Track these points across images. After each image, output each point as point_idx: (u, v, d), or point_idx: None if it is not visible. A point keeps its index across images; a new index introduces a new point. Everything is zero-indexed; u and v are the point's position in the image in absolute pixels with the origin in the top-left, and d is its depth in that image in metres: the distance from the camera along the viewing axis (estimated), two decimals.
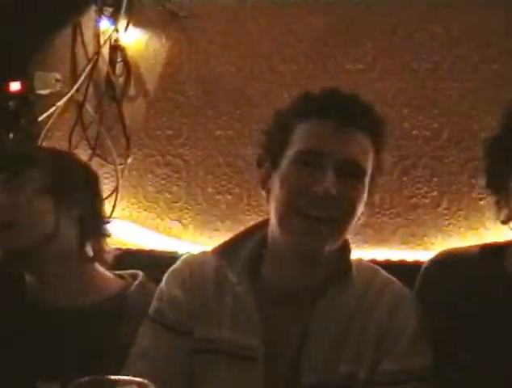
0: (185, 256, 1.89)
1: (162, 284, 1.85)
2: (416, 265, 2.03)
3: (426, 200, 2.56)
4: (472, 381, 1.66)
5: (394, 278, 1.78)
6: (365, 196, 1.69)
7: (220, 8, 2.80)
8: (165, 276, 1.86)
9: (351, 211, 1.66)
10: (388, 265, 2.39)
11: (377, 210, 2.57)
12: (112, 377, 1.30)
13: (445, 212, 2.54)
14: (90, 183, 2.11)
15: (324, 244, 1.66)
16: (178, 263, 1.86)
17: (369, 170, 1.69)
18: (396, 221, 2.58)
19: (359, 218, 1.72)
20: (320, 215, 1.62)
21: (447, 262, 1.84)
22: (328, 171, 1.62)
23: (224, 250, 1.81)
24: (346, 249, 1.75)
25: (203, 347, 1.74)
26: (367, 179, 1.69)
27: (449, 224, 2.53)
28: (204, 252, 1.89)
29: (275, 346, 1.69)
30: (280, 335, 1.70)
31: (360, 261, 1.82)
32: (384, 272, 1.80)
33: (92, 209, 2.07)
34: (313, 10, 2.69)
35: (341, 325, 1.69)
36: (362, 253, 2.52)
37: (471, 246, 1.88)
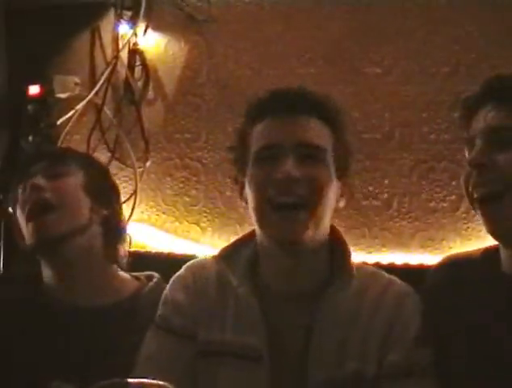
0: (188, 262, 1.92)
1: (167, 290, 1.89)
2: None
3: (445, 204, 2.54)
4: (474, 382, 1.67)
5: (396, 278, 1.81)
6: (331, 174, 1.72)
7: (238, 12, 2.80)
8: (170, 282, 1.91)
9: (319, 190, 1.69)
10: (406, 269, 2.42)
11: (396, 214, 2.57)
12: (133, 380, 1.31)
13: (464, 215, 2.53)
14: (115, 187, 2.21)
15: (301, 230, 1.67)
16: (182, 269, 1.91)
17: (328, 148, 1.73)
18: (415, 224, 2.57)
19: (339, 201, 1.78)
20: (289, 200, 1.66)
21: (450, 266, 1.88)
22: (286, 158, 1.67)
23: (225, 255, 1.85)
24: (345, 252, 1.78)
25: (208, 350, 1.77)
26: (328, 157, 1.73)
27: (468, 228, 2.52)
28: (207, 257, 1.94)
29: (279, 346, 1.71)
30: (283, 334, 1.72)
31: (362, 264, 1.88)
32: (385, 273, 1.83)
33: (115, 212, 2.15)
34: (332, 14, 2.69)
35: (344, 323, 1.71)
36: (380, 257, 2.52)
37: (474, 251, 1.90)
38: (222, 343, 1.76)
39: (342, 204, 1.79)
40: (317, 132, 1.73)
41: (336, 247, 1.80)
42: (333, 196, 1.73)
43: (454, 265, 1.87)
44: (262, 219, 1.72)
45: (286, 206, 1.66)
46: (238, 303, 1.77)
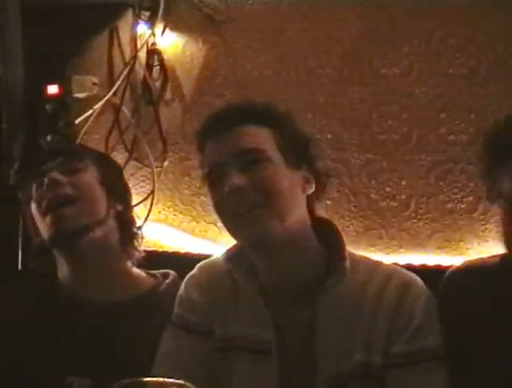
0: (200, 263, 2.00)
1: (181, 289, 1.97)
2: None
3: (462, 206, 2.54)
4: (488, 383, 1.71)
5: (400, 267, 1.87)
6: (280, 168, 1.77)
7: (256, 12, 2.80)
8: (183, 282, 1.98)
9: (269, 187, 1.74)
10: (423, 270, 2.42)
11: (413, 215, 2.57)
12: (153, 379, 1.33)
13: (481, 217, 2.52)
14: (127, 186, 2.29)
15: (264, 227, 1.72)
16: (195, 269, 1.98)
17: (267, 146, 1.79)
18: (432, 226, 2.57)
19: (306, 189, 1.83)
20: (246, 209, 1.72)
21: (468, 271, 1.89)
22: (230, 172, 1.74)
23: (229, 256, 1.91)
24: (339, 244, 1.83)
25: (223, 346, 1.84)
26: (271, 154, 1.78)
27: (485, 229, 2.52)
28: (217, 257, 1.98)
29: (285, 340, 1.78)
30: (288, 329, 1.78)
31: (363, 256, 1.92)
32: (389, 264, 1.91)
33: (130, 209, 2.22)
34: (350, 14, 2.68)
35: (347, 315, 1.75)
36: (397, 258, 2.52)
37: (492, 256, 1.94)
38: (235, 339, 1.82)
39: (310, 190, 1.84)
40: (252, 137, 1.80)
41: (331, 240, 1.85)
42: (291, 186, 1.77)
43: (470, 270, 1.89)
44: (232, 233, 1.81)
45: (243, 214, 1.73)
46: (246, 300, 1.84)
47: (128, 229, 2.17)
